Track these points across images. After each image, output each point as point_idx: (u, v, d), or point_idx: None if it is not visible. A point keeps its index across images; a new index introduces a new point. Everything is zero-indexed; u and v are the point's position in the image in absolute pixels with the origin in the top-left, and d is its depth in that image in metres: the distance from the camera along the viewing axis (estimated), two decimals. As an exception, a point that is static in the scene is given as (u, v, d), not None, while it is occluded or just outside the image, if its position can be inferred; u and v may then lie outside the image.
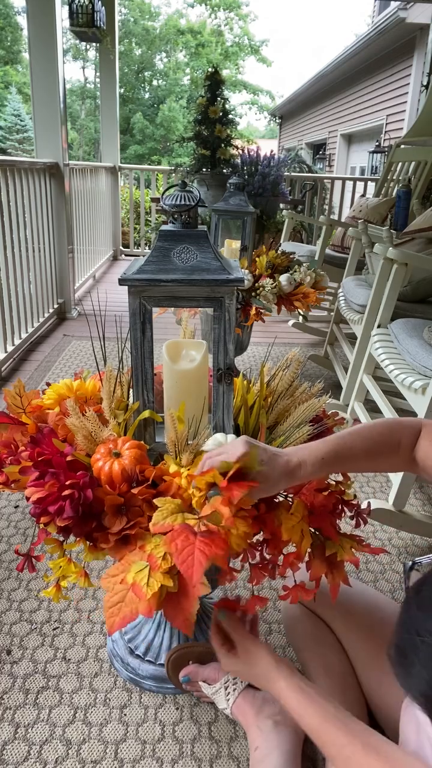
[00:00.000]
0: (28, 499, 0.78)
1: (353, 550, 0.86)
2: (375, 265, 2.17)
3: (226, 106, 2.34)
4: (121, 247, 5.91)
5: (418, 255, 1.95)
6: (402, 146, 3.92)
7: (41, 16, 3.02)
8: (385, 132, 7.64)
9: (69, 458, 0.81)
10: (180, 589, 0.73)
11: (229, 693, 0.98)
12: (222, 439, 0.86)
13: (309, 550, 0.84)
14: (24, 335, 2.93)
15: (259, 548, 0.84)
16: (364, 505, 0.93)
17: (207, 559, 0.69)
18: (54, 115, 3.21)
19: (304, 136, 12.92)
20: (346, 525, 1.22)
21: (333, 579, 0.84)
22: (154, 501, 0.76)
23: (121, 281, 0.79)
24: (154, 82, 23.40)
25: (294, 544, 0.81)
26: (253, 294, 1.93)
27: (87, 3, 4.18)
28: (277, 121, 16.14)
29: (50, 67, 3.12)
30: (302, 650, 1.06)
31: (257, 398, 0.96)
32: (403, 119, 7.07)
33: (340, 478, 0.94)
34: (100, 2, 4.25)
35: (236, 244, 2.04)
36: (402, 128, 6.84)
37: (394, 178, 3.89)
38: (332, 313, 2.90)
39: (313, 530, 0.86)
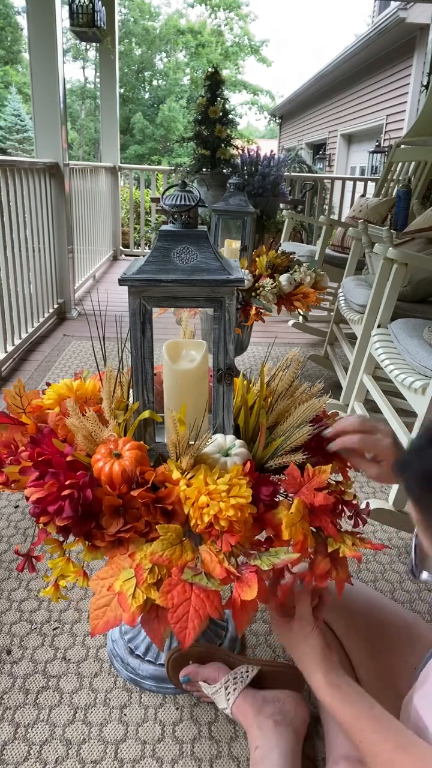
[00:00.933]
0: (27, 498, 0.78)
1: (355, 546, 0.86)
2: (375, 265, 2.17)
3: (226, 106, 2.33)
4: (121, 247, 5.91)
5: (418, 255, 1.95)
6: (402, 146, 3.93)
7: (41, 16, 3.02)
8: (385, 132, 7.64)
9: (69, 458, 0.81)
10: (161, 608, 0.74)
11: (229, 693, 0.98)
12: (222, 441, 0.86)
13: (310, 549, 0.84)
14: (24, 335, 2.93)
15: (262, 548, 0.83)
16: (363, 505, 0.93)
17: (201, 622, 0.70)
18: (54, 115, 3.21)
19: (304, 136, 12.92)
20: (346, 524, 1.22)
21: (337, 576, 0.84)
22: (157, 527, 0.77)
23: (121, 281, 0.78)
24: (154, 82, 23.40)
25: (293, 541, 0.80)
26: (253, 294, 1.93)
27: (87, 3, 4.18)
28: (277, 121, 16.14)
29: (50, 67, 3.11)
30: None
31: (257, 398, 0.96)
32: (403, 119, 7.06)
33: (340, 477, 0.94)
34: (100, 2, 4.25)
35: (236, 244, 2.04)
36: (402, 128, 6.84)
37: (394, 178, 3.89)
38: (332, 313, 2.90)
39: (313, 529, 0.86)
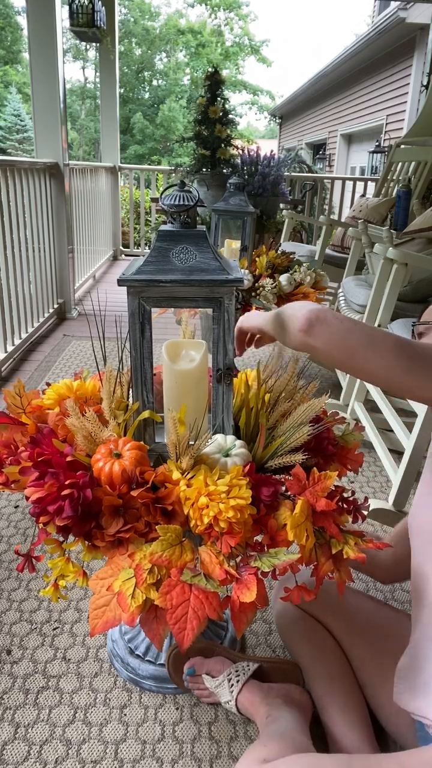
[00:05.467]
0: (27, 498, 0.78)
1: (357, 546, 0.86)
2: (375, 265, 2.17)
3: (226, 106, 2.34)
4: (121, 247, 5.91)
5: (417, 255, 1.95)
6: (402, 146, 3.92)
7: (41, 16, 3.02)
8: (385, 132, 7.63)
9: (69, 458, 0.81)
10: (160, 608, 0.74)
11: (233, 684, 0.98)
12: (222, 441, 0.86)
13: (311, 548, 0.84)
14: (24, 335, 2.93)
15: (260, 549, 0.83)
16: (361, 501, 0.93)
17: (199, 623, 0.70)
18: (54, 115, 3.21)
19: (304, 136, 12.92)
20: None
21: (339, 577, 0.84)
22: (157, 528, 0.77)
23: (120, 282, 0.78)
24: (154, 82, 23.38)
25: (297, 543, 0.80)
26: (253, 294, 1.93)
27: (87, 3, 4.17)
28: (277, 121, 16.12)
29: (50, 67, 3.11)
30: (302, 656, 1.06)
31: (256, 399, 0.95)
32: (403, 119, 7.06)
33: (339, 482, 0.94)
34: (100, 2, 4.25)
35: (236, 244, 2.05)
36: (402, 128, 6.84)
37: (394, 178, 3.89)
38: (332, 313, 2.89)
39: (316, 528, 0.86)
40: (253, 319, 0.96)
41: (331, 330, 0.77)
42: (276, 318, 0.87)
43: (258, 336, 1.04)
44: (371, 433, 1.91)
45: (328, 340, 0.77)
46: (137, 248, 6.07)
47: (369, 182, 5.43)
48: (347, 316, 0.82)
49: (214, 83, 2.28)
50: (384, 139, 7.57)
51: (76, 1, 4.15)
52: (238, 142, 2.42)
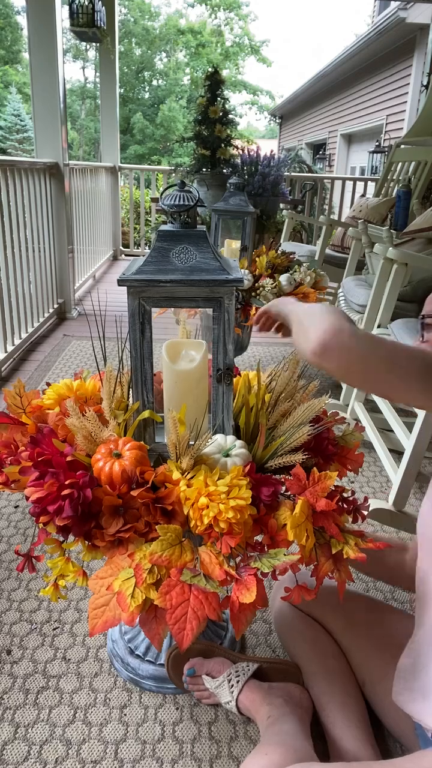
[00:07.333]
0: (27, 498, 0.78)
1: (357, 546, 0.86)
2: (375, 265, 2.17)
3: (226, 106, 2.34)
4: (121, 247, 5.91)
5: (417, 255, 1.95)
6: (402, 146, 3.92)
7: (41, 16, 3.02)
8: (385, 132, 7.63)
9: (69, 458, 0.81)
10: (160, 608, 0.74)
11: (233, 685, 0.98)
12: (222, 442, 0.86)
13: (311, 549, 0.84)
14: (24, 335, 2.93)
15: (260, 549, 0.83)
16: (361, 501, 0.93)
17: (199, 623, 0.70)
18: (54, 115, 3.21)
19: (304, 136, 12.91)
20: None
21: (339, 577, 0.84)
22: (156, 528, 0.77)
23: (120, 282, 0.78)
24: (154, 82, 23.38)
25: (297, 543, 0.80)
26: (253, 294, 1.93)
27: (87, 3, 4.17)
28: (277, 121, 16.12)
29: (50, 67, 3.11)
30: (300, 655, 1.07)
31: (256, 399, 0.95)
32: (403, 119, 7.05)
33: (340, 482, 0.94)
34: (100, 2, 4.25)
35: (236, 244, 2.05)
36: (402, 128, 6.83)
37: (394, 178, 3.89)
38: (332, 313, 2.89)
39: (316, 528, 0.86)
40: (283, 304, 0.93)
41: (349, 354, 0.72)
42: (298, 324, 0.82)
43: (279, 323, 1.01)
44: (371, 433, 1.91)
45: (345, 364, 0.73)
46: (137, 248, 6.08)
47: (369, 182, 5.43)
48: (366, 334, 0.75)
49: (214, 83, 2.28)
50: (384, 139, 7.57)
51: (76, 1, 4.15)
52: (238, 142, 2.42)
